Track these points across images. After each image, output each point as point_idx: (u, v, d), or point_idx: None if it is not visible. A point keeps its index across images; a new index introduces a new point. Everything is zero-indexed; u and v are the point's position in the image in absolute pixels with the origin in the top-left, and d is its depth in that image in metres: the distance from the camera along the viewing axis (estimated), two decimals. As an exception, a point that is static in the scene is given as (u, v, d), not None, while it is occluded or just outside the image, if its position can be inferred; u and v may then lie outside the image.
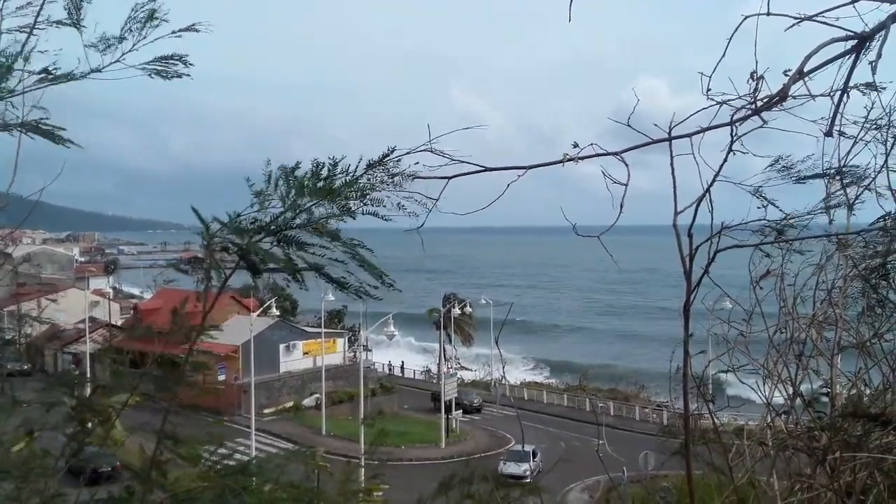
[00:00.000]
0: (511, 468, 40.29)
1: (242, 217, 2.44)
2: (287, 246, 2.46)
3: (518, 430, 49.90)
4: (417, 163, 2.33)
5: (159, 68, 2.94)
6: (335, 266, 2.51)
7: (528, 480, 41.07)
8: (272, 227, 2.44)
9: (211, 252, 2.41)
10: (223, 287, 2.50)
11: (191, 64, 2.94)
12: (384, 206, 2.44)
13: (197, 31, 2.90)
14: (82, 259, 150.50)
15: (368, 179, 2.42)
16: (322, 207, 2.46)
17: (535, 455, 43.92)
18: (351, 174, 2.42)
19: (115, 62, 2.88)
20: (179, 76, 2.97)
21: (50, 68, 2.91)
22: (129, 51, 2.88)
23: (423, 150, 2.27)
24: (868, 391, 3.05)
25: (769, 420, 3.17)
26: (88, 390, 3.32)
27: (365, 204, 2.45)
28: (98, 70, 2.89)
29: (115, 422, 3.23)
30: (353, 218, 2.47)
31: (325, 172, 2.44)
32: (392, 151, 2.35)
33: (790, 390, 3.11)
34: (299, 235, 2.47)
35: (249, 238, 2.40)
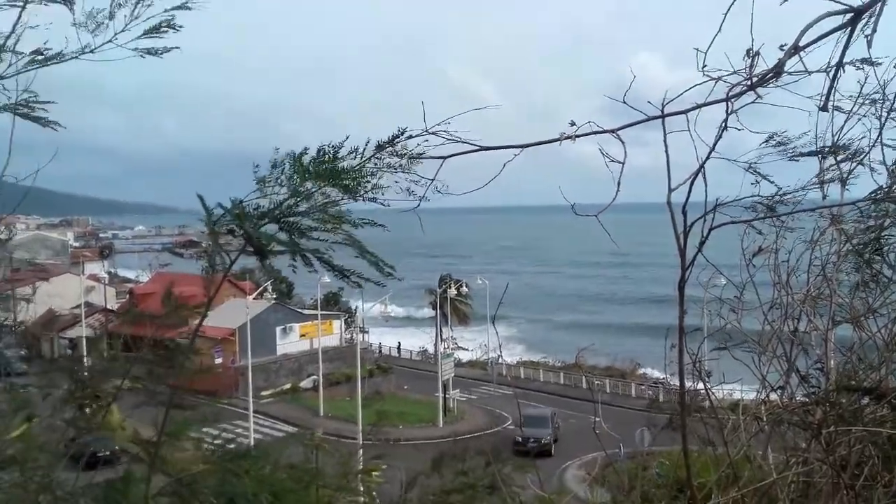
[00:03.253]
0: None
1: (245, 203, 2.43)
2: (290, 232, 2.45)
3: (516, 408, 50.08)
4: (426, 139, 2.31)
5: (150, 46, 2.91)
6: (337, 252, 2.50)
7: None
8: (276, 213, 2.42)
9: (216, 237, 2.40)
10: (228, 272, 2.49)
11: (180, 27, 2.90)
12: (385, 191, 2.42)
13: (189, 8, 2.87)
14: (77, 244, 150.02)
15: (375, 163, 2.40)
16: (326, 192, 2.44)
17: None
18: (359, 155, 2.40)
19: (106, 42, 2.85)
20: (168, 50, 2.94)
21: (42, 49, 2.87)
22: (121, 31, 2.84)
23: (431, 133, 2.25)
24: (862, 365, 3.07)
25: (764, 395, 3.20)
26: (86, 374, 3.32)
27: (368, 189, 2.43)
28: (91, 51, 2.86)
29: (111, 406, 3.24)
30: (355, 200, 2.45)
31: (329, 156, 2.42)
32: (402, 133, 2.32)
33: (785, 365, 3.12)
34: (302, 221, 2.45)
35: (254, 223, 2.38)
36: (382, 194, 2.45)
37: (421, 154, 2.36)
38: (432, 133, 2.26)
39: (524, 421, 43.62)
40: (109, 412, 3.31)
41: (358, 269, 2.58)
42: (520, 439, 38.31)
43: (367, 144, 2.42)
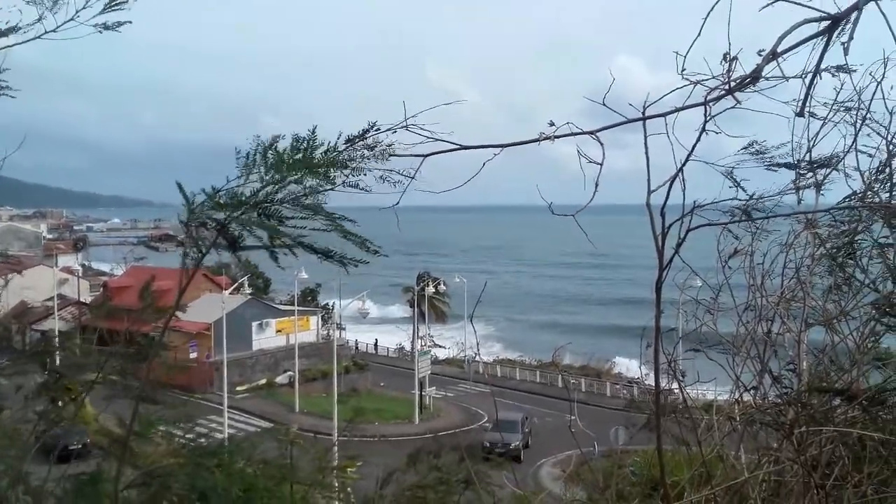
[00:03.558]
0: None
1: (222, 192, 2.41)
2: (268, 220, 2.44)
3: (492, 406, 50.18)
4: (394, 131, 2.31)
5: (105, 21, 2.87)
6: (318, 238, 2.49)
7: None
8: (253, 202, 2.41)
9: (192, 228, 2.38)
10: (199, 264, 2.48)
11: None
12: (363, 181, 2.42)
13: None
14: (50, 236, 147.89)
15: (348, 154, 2.40)
16: (303, 181, 2.44)
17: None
18: (331, 148, 2.40)
19: (68, 21, 2.81)
20: (121, 24, 2.90)
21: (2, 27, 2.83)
22: (83, 7, 2.80)
23: (402, 128, 2.25)
24: (834, 367, 3.12)
25: (738, 395, 3.23)
26: (58, 367, 3.29)
27: (346, 176, 2.42)
28: (53, 30, 2.81)
29: (84, 399, 3.21)
30: (334, 186, 2.44)
31: (304, 146, 2.41)
32: (373, 127, 2.33)
33: (758, 367, 3.16)
34: (280, 210, 2.45)
35: (231, 212, 2.37)
36: (363, 178, 2.44)
37: (392, 150, 2.36)
38: (403, 127, 2.26)
39: (493, 426, 41.77)
40: (83, 405, 3.28)
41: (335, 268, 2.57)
42: (487, 444, 35.34)
43: (338, 137, 2.41)
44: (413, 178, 2.36)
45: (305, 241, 2.47)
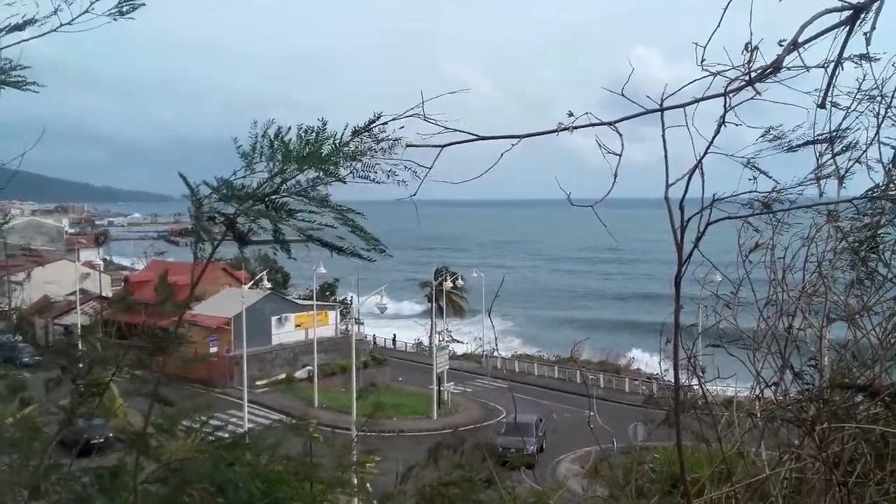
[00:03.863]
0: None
1: (227, 183, 2.41)
2: (276, 213, 2.44)
3: (510, 402, 50.15)
4: (402, 126, 2.31)
5: (123, 8, 2.88)
6: (327, 232, 2.49)
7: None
8: (261, 193, 2.41)
9: (200, 218, 2.39)
10: (211, 257, 2.48)
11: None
12: (374, 173, 2.41)
13: None
14: (72, 230, 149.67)
15: (356, 146, 2.39)
16: (311, 174, 2.43)
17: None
18: (338, 140, 2.40)
19: (83, 13, 2.81)
20: (135, 7, 2.91)
21: (14, 24, 2.84)
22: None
23: (411, 117, 2.25)
24: (856, 363, 3.08)
25: (758, 391, 3.20)
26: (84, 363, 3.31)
27: (355, 170, 2.42)
28: (69, 23, 2.82)
29: (113, 391, 3.24)
30: (344, 182, 2.44)
31: (312, 137, 2.41)
32: (378, 118, 2.32)
33: (779, 362, 3.13)
34: (288, 202, 2.45)
35: (239, 204, 2.37)
36: (375, 171, 2.43)
37: (401, 141, 2.35)
38: (418, 118, 2.25)
39: (506, 429, 40.26)
40: (112, 399, 3.31)
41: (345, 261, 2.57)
42: (500, 448, 31.45)
43: (345, 128, 2.41)
44: (430, 168, 2.36)
45: (315, 235, 2.47)
